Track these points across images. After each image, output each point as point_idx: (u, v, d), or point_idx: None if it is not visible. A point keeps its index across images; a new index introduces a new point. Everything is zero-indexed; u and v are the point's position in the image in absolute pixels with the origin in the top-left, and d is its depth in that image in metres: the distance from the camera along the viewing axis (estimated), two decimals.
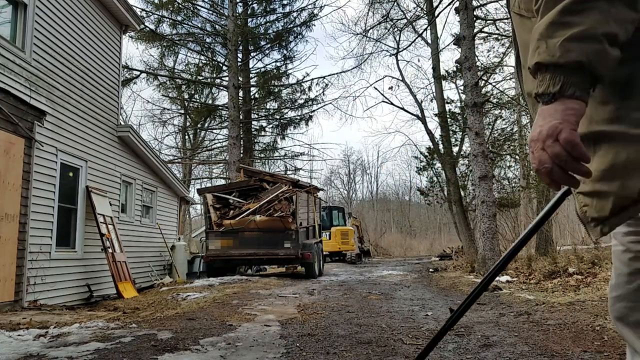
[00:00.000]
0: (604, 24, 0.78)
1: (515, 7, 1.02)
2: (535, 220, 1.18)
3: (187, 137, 25.01)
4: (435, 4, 14.78)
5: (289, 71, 20.10)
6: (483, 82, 14.10)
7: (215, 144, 22.87)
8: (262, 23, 19.90)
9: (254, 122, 20.54)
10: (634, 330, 1.02)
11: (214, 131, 22.90)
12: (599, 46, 0.78)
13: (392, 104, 20.21)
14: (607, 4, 0.79)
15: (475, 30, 11.39)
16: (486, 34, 15.27)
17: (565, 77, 0.79)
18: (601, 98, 0.87)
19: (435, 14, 14.92)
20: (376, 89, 50.89)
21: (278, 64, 20.16)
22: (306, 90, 19.86)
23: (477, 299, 1.43)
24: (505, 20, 16.26)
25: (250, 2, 19.54)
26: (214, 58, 19.88)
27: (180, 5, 18.34)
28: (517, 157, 17.67)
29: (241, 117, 18.77)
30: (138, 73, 18.66)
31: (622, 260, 1.05)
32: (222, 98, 21.29)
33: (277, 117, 20.55)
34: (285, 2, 19.67)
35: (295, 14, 19.59)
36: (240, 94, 18.96)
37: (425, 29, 16.87)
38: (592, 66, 0.79)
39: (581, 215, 0.93)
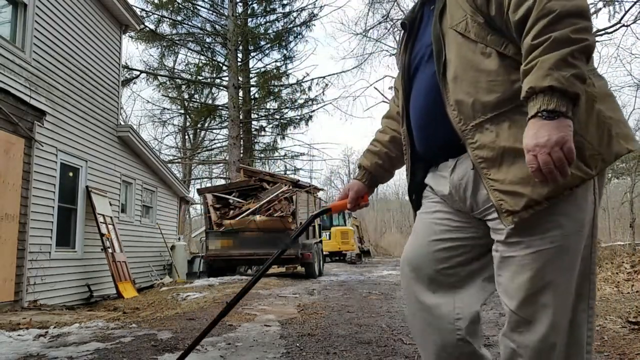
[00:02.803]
0: (586, 73, 1.10)
1: (461, 28, 1.28)
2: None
3: (187, 137, 25.00)
4: None
5: (289, 71, 20.06)
6: None
7: (215, 144, 22.86)
8: (262, 23, 19.88)
9: (254, 122, 20.51)
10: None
11: (214, 131, 22.89)
12: (584, 87, 1.10)
13: None
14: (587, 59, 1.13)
15: None
16: None
17: (569, 102, 1.07)
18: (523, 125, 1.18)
19: None
20: (376, 89, 51.00)
21: (278, 64, 20.13)
22: (306, 90, 19.82)
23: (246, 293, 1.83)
24: None
25: (250, 2, 19.52)
26: (214, 58, 19.87)
27: (180, 5, 18.32)
28: None
29: (241, 117, 18.76)
30: (138, 73, 18.65)
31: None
32: (222, 98, 21.27)
33: (277, 117, 20.52)
34: (285, 2, 19.65)
35: (295, 14, 19.56)
36: (240, 94, 18.94)
37: None
38: (579, 99, 1.09)
39: (497, 206, 1.21)
